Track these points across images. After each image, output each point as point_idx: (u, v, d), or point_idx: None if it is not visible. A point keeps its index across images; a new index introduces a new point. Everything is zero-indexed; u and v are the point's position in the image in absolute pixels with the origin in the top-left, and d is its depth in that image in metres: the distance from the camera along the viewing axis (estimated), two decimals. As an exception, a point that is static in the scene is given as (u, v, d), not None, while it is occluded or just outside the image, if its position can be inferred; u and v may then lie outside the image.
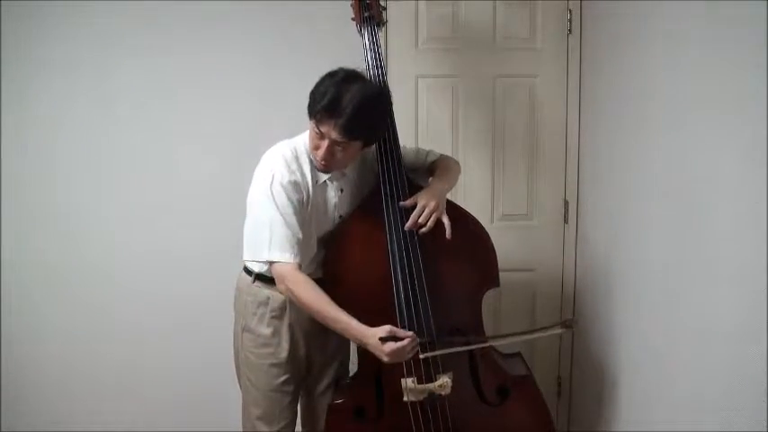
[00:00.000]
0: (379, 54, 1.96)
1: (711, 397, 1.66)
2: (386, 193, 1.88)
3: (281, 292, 1.87)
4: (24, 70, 2.41)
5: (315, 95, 1.75)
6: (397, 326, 1.79)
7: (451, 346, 1.85)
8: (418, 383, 1.85)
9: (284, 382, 1.96)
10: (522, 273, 2.62)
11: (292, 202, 1.81)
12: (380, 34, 2.00)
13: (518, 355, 2.19)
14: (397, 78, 2.49)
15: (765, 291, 1.45)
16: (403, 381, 1.86)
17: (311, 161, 1.87)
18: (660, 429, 1.92)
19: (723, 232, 1.62)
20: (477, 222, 2.00)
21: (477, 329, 1.97)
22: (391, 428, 1.90)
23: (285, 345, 1.94)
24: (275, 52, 2.45)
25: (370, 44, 1.97)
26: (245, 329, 1.97)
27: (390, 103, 1.88)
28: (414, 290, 1.84)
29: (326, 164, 1.81)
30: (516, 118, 2.59)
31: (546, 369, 2.64)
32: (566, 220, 2.64)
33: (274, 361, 1.95)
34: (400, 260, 1.85)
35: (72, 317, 2.51)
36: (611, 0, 2.29)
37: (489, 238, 1.99)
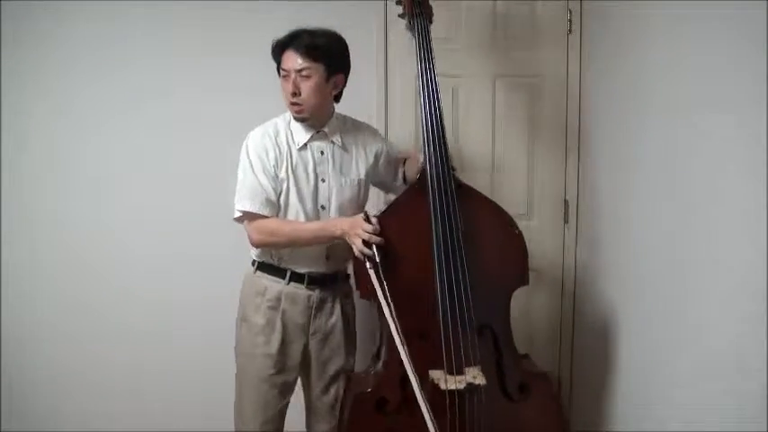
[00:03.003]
0: (430, 49, 2.00)
1: (711, 397, 1.66)
2: (433, 187, 1.90)
3: (256, 246, 1.99)
4: (24, 70, 2.41)
5: (274, 45, 1.93)
6: (438, 319, 1.87)
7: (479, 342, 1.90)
8: (449, 375, 1.87)
9: (274, 374, 2.01)
10: (522, 273, 2.62)
11: (263, 161, 1.94)
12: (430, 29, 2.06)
13: (528, 356, 2.20)
14: (398, 78, 2.49)
15: (765, 290, 1.44)
16: (432, 372, 1.88)
17: (291, 130, 1.99)
18: (660, 429, 1.92)
19: (723, 232, 1.62)
20: (513, 220, 2.02)
21: (506, 328, 2.00)
22: (412, 422, 1.87)
23: (278, 336, 2.00)
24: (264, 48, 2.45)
25: (420, 39, 2.01)
26: (243, 319, 2.05)
27: (346, 44, 1.98)
28: (458, 282, 1.87)
29: (298, 105, 1.91)
30: (517, 118, 2.59)
31: (546, 369, 2.63)
32: (566, 220, 2.64)
33: (266, 351, 2.00)
34: (446, 253, 1.88)
35: (72, 318, 2.51)
36: (611, 0, 2.29)
37: (522, 235, 2.01)
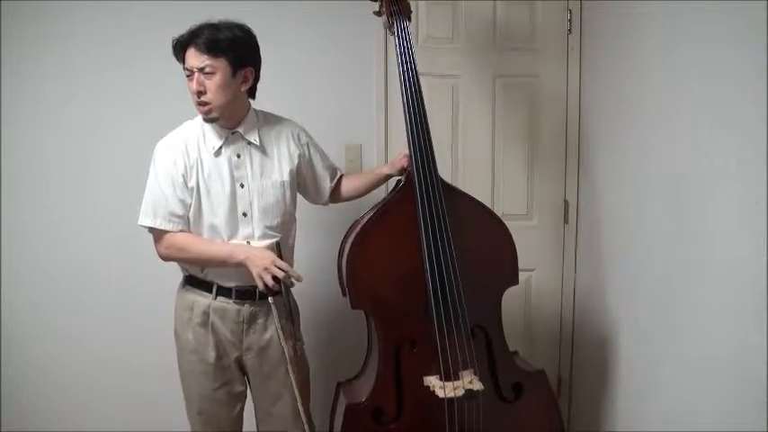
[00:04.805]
0: (410, 47, 1.96)
1: (711, 397, 1.66)
2: (421, 191, 1.87)
3: (164, 260, 1.89)
4: (24, 70, 2.40)
5: (174, 44, 1.82)
6: (432, 322, 1.83)
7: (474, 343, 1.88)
8: (445, 381, 1.85)
9: (215, 390, 1.93)
10: (522, 272, 2.56)
11: (168, 172, 1.83)
12: (410, 26, 2.00)
13: (516, 353, 2.18)
14: (398, 78, 2.49)
15: (765, 290, 1.44)
16: (427, 379, 1.86)
17: (204, 134, 1.88)
18: (660, 429, 1.92)
19: (723, 232, 1.62)
20: (500, 220, 2.01)
21: (498, 328, 1.98)
22: (409, 430, 1.88)
23: (212, 352, 1.90)
24: (267, 51, 2.45)
25: (400, 38, 1.96)
26: (176, 335, 1.98)
27: (254, 35, 1.88)
28: (450, 284, 1.85)
29: (205, 105, 1.80)
30: (516, 118, 2.59)
31: (546, 369, 2.63)
32: (566, 220, 2.64)
33: (201, 369, 1.92)
34: (436, 255, 1.85)
35: (71, 318, 2.51)
36: (610, 0, 2.29)
37: (510, 235, 2.00)
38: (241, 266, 1.80)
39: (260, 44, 1.94)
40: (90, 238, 2.50)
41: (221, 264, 1.83)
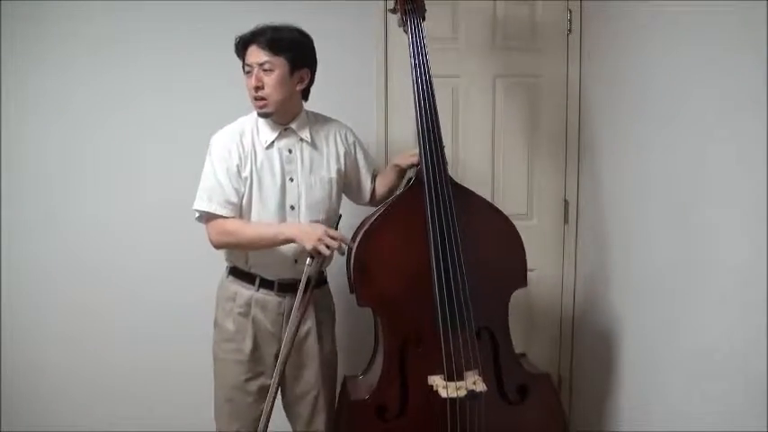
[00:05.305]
0: (423, 46, 1.96)
1: (711, 397, 1.66)
2: (430, 190, 1.88)
3: (216, 246, 1.95)
4: (23, 70, 2.40)
5: (237, 42, 1.92)
6: (437, 321, 1.84)
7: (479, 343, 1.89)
8: (448, 381, 1.85)
9: (247, 380, 1.98)
10: (523, 272, 2.62)
11: (225, 162, 1.91)
12: (424, 26, 2.01)
13: (524, 355, 2.19)
14: (398, 78, 2.49)
15: (765, 290, 1.45)
16: (431, 378, 1.86)
17: (258, 129, 1.96)
18: (660, 429, 1.92)
19: (723, 231, 1.62)
20: (510, 221, 2.00)
21: (505, 330, 1.98)
22: (412, 428, 1.89)
23: (249, 342, 1.97)
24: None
25: (413, 36, 1.97)
26: (215, 323, 2.04)
27: (312, 40, 1.96)
28: (456, 284, 1.85)
29: (261, 100, 1.88)
30: (516, 118, 2.59)
31: (546, 369, 2.63)
32: (566, 220, 2.64)
33: (237, 357, 1.98)
34: (443, 255, 1.85)
35: (71, 319, 2.51)
36: (611, 0, 2.29)
37: (520, 236, 1.99)
38: (290, 242, 1.87)
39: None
40: (90, 238, 2.50)
41: (270, 242, 1.89)
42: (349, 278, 1.94)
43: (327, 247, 1.80)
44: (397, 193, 2.07)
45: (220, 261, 2.36)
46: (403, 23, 2.02)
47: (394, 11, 2.06)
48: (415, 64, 1.95)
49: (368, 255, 1.88)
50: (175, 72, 2.47)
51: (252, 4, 2.43)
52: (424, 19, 2.01)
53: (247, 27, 2.41)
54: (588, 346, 2.52)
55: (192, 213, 2.46)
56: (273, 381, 1.90)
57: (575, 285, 2.63)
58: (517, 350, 2.20)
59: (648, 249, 2.01)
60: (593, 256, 2.48)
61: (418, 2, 2.01)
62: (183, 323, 2.53)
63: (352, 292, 1.93)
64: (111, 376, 2.54)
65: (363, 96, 2.51)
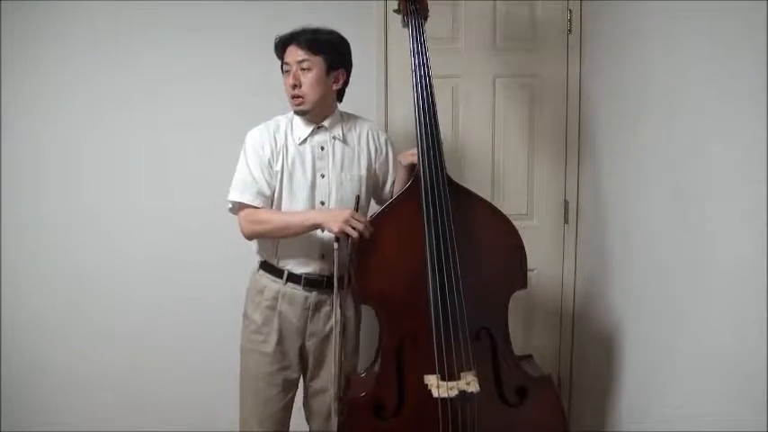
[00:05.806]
0: (424, 46, 1.97)
1: (711, 397, 1.66)
2: (426, 188, 1.87)
3: (247, 236, 1.99)
4: (23, 69, 2.40)
5: (277, 41, 1.99)
6: (430, 320, 1.85)
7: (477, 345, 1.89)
8: (442, 381, 1.85)
9: (272, 372, 2.02)
10: (523, 272, 2.61)
11: (258, 155, 1.97)
12: (425, 26, 2.01)
13: (531, 357, 2.18)
14: (398, 78, 2.49)
15: (765, 290, 1.45)
16: (427, 377, 1.86)
17: (292, 125, 2.02)
18: (660, 429, 1.92)
19: (724, 231, 1.62)
20: (510, 222, 1.99)
21: (504, 331, 1.98)
22: (409, 426, 1.89)
23: (274, 335, 2.01)
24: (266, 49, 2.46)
25: (414, 37, 1.98)
26: (245, 315, 2.08)
27: (348, 43, 2.03)
28: (450, 285, 1.85)
29: (299, 98, 1.94)
30: (516, 118, 2.59)
31: (546, 369, 2.63)
32: (566, 220, 2.64)
33: (263, 349, 2.02)
34: (438, 255, 1.85)
35: (71, 319, 2.51)
36: (611, 0, 2.29)
37: (520, 237, 1.98)
38: (317, 227, 1.91)
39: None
40: (89, 238, 2.50)
41: (299, 228, 1.92)
42: (349, 275, 1.95)
43: (354, 228, 1.84)
44: (396, 193, 2.06)
45: (221, 261, 2.38)
46: (405, 24, 2.03)
47: (398, 11, 2.07)
48: (416, 64, 1.96)
49: (366, 254, 1.89)
50: (174, 72, 2.47)
51: (252, 4, 2.43)
52: (426, 19, 2.02)
53: (247, 27, 2.44)
54: (588, 346, 2.52)
55: (192, 213, 2.48)
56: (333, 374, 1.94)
57: (575, 285, 2.63)
58: (517, 351, 2.21)
59: (648, 249, 2.01)
60: (593, 257, 2.48)
61: (421, 3, 2.02)
62: (183, 323, 2.53)
63: (345, 288, 1.94)
64: (111, 376, 2.54)
65: (363, 96, 2.51)
